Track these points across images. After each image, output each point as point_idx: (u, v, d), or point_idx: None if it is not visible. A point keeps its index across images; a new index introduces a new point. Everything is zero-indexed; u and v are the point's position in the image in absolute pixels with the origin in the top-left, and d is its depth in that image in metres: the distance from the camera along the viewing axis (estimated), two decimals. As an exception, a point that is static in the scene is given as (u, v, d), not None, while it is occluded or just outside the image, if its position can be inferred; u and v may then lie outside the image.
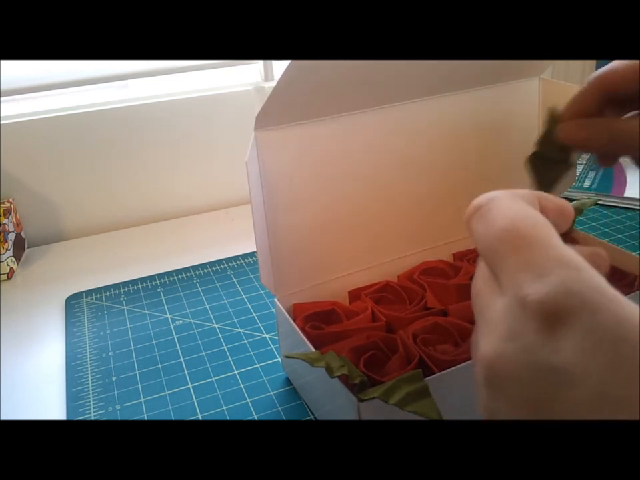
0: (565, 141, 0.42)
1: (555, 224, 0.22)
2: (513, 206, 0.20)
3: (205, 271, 0.60)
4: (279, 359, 0.46)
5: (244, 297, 0.55)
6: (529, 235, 0.19)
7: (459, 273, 0.44)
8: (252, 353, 0.47)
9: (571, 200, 0.60)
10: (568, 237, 0.44)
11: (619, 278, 0.42)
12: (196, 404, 0.42)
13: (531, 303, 0.17)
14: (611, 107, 0.40)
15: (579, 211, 0.47)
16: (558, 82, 0.48)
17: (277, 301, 0.41)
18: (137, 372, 0.46)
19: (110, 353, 0.49)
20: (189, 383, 0.44)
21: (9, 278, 0.61)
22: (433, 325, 0.38)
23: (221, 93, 0.73)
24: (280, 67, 0.75)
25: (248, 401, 0.42)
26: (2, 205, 0.63)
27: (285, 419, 0.40)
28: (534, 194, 0.22)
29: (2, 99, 0.64)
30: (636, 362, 0.16)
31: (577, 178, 0.49)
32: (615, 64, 0.39)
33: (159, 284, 0.59)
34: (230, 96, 0.73)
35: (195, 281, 0.59)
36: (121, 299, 0.56)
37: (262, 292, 0.56)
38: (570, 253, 0.18)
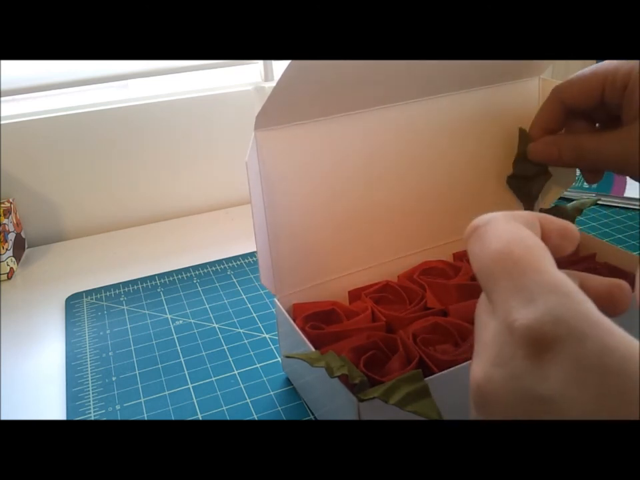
0: (536, 160, 0.43)
1: (558, 246, 0.21)
2: (509, 228, 0.20)
3: (205, 271, 0.60)
4: (279, 359, 0.46)
5: (244, 296, 0.55)
6: (522, 258, 0.19)
7: (459, 272, 0.44)
8: (252, 353, 0.47)
9: (570, 200, 0.60)
10: (575, 256, 0.45)
11: (619, 278, 0.42)
12: (196, 404, 0.42)
13: (519, 328, 0.17)
14: (578, 119, 0.40)
15: (578, 210, 0.47)
16: (558, 82, 0.47)
17: (277, 301, 0.41)
18: (137, 372, 0.46)
19: (110, 353, 0.49)
20: (189, 383, 0.44)
21: (8, 278, 0.61)
22: (433, 325, 0.38)
23: (221, 93, 0.73)
24: (280, 67, 0.75)
25: (248, 401, 0.42)
26: (2, 205, 0.63)
27: (285, 418, 0.40)
28: (535, 215, 0.21)
29: (2, 98, 0.64)
30: (621, 393, 0.15)
31: (576, 178, 0.49)
32: (573, 77, 0.39)
33: (158, 284, 0.59)
34: (230, 96, 0.73)
35: (194, 281, 0.59)
36: (121, 298, 0.56)
37: (262, 292, 0.56)
38: (561, 278, 0.18)
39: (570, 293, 0.17)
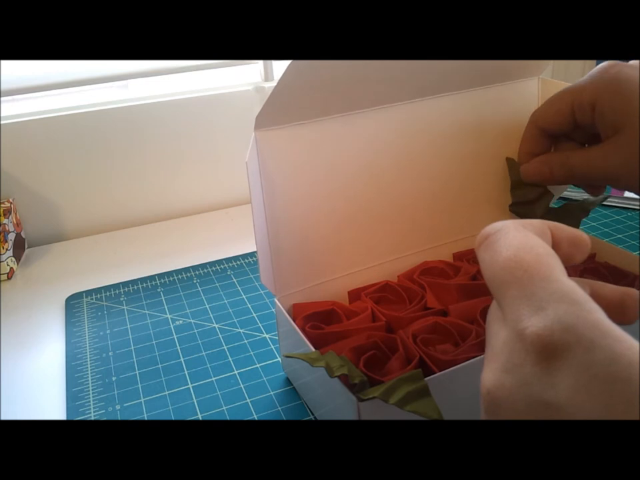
0: (530, 181, 0.43)
1: (568, 255, 0.21)
2: (520, 236, 0.20)
3: (205, 271, 0.60)
4: (279, 359, 0.46)
5: (244, 297, 0.55)
6: (532, 266, 0.19)
7: (459, 272, 0.44)
8: (252, 352, 0.47)
9: (570, 200, 0.60)
10: (588, 265, 0.45)
11: (619, 278, 0.42)
12: (196, 404, 0.42)
13: (529, 336, 0.17)
14: (565, 139, 0.41)
15: (585, 211, 0.46)
16: (557, 82, 0.48)
17: (277, 301, 0.41)
18: (136, 372, 0.46)
19: (110, 353, 0.49)
20: (189, 383, 0.44)
21: (8, 278, 0.61)
22: (433, 324, 0.38)
23: (221, 93, 0.73)
24: (280, 67, 0.75)
25: (248, 401, 0.42)
26: (2, 205, 0.63)
27: (285, 419, 0.40)
28: (546, 224, 0.22)
29: (2, 99, 0.64)
30: (629, 400, 0.16)
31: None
32: (546, 101, 0.40)
33: (158, 284, 0.59)
34: (230, 96, 0.73)
35: (194, 281, 0.59)
36: (121, 298, 0.56)
37: (262, 292, 0.56)
38: (571, 286, 0.18)
39: (579, 301, 0.18)
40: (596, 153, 0.37)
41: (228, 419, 0.41)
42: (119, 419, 0.41)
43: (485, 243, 0.21)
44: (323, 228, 0.42)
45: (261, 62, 0.74)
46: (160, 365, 0.47)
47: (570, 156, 0.39)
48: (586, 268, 0.43)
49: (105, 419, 0.41)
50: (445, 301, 0.42)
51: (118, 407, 0.42)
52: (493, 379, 0.19)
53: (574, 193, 0.68)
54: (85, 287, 0.59)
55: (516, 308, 0.18)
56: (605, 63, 0.37)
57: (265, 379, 0.44)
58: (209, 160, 0.75)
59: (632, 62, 0.36)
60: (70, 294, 0.58)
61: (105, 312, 0.55)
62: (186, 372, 0.46)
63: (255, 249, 0.46)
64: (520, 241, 0.20)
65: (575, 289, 0.18)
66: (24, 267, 0.64)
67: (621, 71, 0.36)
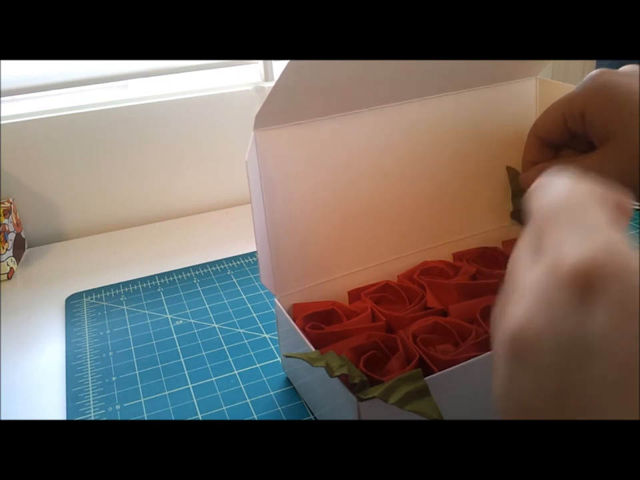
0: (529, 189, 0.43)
1: (613, 216, 0.22)
2: (572, 180, 0.21)
3: (205, 271, 0.60)
4: (279, 359, 0.46)
5: (244, 297, 0.55)
6: (580, 203, 0.19)
7: (459, 272, 0.44)
8: (252, 352, 0.47)
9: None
10: None
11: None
12: (196, 404, 0.42)
13: (565, 270, 0.17)
14: (564, 148, 0.41)
15: None
16: (555, 82, 0.48)
17: (277, 301, 0.41)
18: (136, 372, 0.46)
19: (110, 353, 0.49)
20: (189, 383, 0.44)
21: (8, 278, 0.61)
22: (433, 324, 0.38)
23: (221, 93, 0.73)
24: (280, 67, 0.75)
25: (248, 401, 0.42)
26: (2, 205, 0.63)
27: (285, 419, 0.40)
28: (594, 184, 0.22)
29: (2, 99, 0.64)
30: None
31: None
32: (545, 112, 0.40)
33: (158, 284, 0.59)
34: (230, 96, 0.73)
35: (194, 281, 0.59)
36: (121, 298, 0.56)
37: (262, 292, 0.56)
38: (611, 223, 0.18)
39: (621, 240, 0.18)
40: (591, 161, 0.37)
41: (228, 418, 0.41)
42: (119, 419, 0.41)
43: (539, 186, 0.21)
44: (323, 228, 0.42)
45: (260, 62, 0.74)
46: (160, 365, 0.47)
47: (569, 164, 0.39)
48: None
49: (105, 419, 0.41)
50: (444, 301, 0.42)
51: (118, 407, 0.42)
52: (518, 322, 0.18)
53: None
54: (85, 287, 0.59)
55: (557, 243, 0.18)
56: (594, 72, 0.37)
57: (265, 378, 0.44)
58: (209, 160, 0.75)
59: (622, 68, 0.36)
60: (70, 294, 0.58)
61: (105, 312, 0.55)
62: (186, 372, 0.46)
63: (255, 249, 0.46)
64: (572, 183, 0.20)
65: (615, 226, 0.18)
66: (24, 267, 0.64)
67: (609, 79, 0.36)
